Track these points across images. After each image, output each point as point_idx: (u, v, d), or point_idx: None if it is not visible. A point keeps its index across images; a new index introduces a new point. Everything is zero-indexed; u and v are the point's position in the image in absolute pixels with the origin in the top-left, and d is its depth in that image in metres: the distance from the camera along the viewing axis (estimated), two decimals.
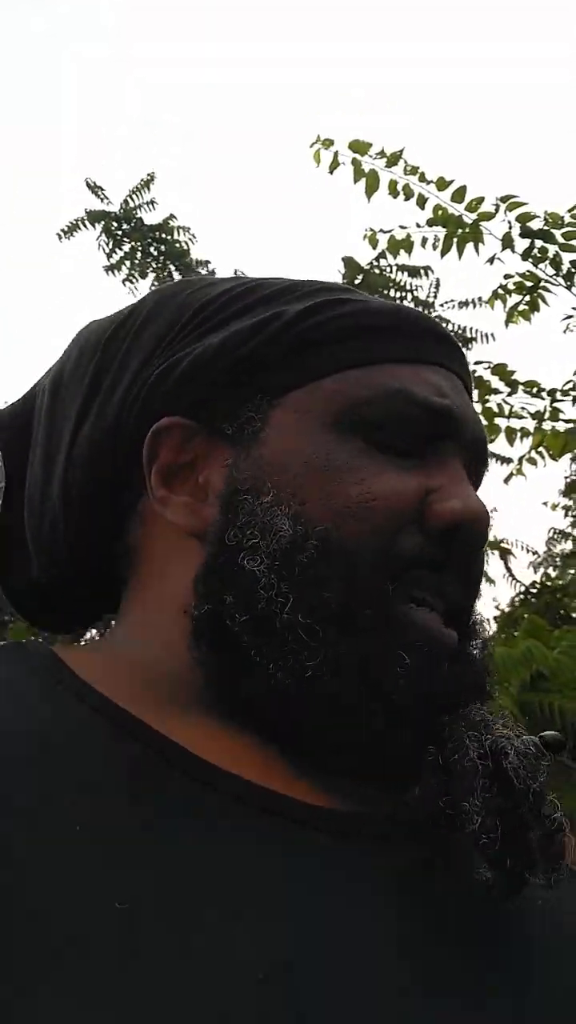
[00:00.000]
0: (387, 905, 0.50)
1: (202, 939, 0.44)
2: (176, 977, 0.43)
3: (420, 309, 0.74)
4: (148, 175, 6.05)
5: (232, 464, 0.60)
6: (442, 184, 3.30)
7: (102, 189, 6.04)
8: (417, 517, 0.57)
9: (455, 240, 3.32)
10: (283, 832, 0.51)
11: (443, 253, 3.35)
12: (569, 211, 3.18)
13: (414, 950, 0.49)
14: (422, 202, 3.36)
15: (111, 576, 0.65)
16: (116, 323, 0.67)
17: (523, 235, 3.23)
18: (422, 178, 3.34)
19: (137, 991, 0.42)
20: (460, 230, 3.29)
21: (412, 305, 3.97)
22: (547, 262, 3.29)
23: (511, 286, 3.41)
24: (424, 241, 3.39)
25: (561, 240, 3.21)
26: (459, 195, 3.30)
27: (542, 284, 3.38)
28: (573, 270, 3.28)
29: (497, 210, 3.18)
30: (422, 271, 6.10)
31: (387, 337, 0.62)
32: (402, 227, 3.50)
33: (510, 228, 3.21)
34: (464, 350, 0.68)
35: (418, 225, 3.39)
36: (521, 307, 3.43)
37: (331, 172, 3.44)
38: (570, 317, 3.49)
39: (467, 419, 0.62)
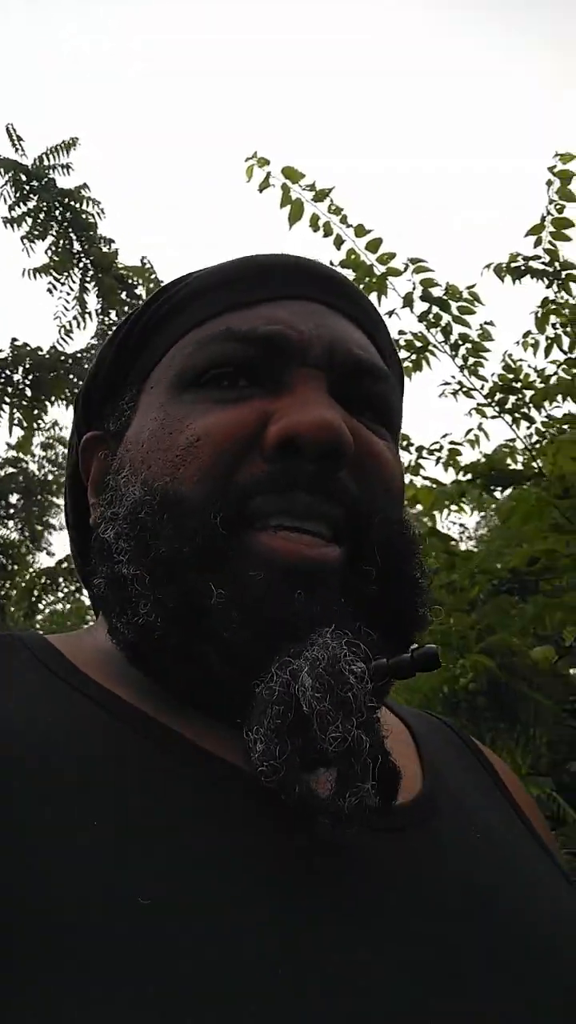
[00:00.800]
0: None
1: (223, 928, 0.44)
2: (202, 969, 0.42)
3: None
4: (71, 139, 5.92)
5: (108, 454, 0.66)
6: (360, 231, 3.46)
7: (21, 140, 5.84)
8: (255, 444, 0.56)
9: (361, 286, 3.48)
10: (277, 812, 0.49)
11: None
12: (467, 287, 3.41)
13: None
14: (339, 243, 3.50)
15: None
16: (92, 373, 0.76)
17: (423, 298, 3.43)
18: (344, 220, 3.49)
19: (166, 985, 0.40)
20: (368, 278, 3.45)
21: None
22: (439, 328, 3.51)
23: (402, 342, 3.61)
24: None
25: (455, 312, 3.44)
26: (373, 246, 3.46)
27: (430, 347, 3.60)
28: (459, 342, 3.51)
29: (405, 269, 3.36)
30: None
31: (227, 290, 0.62)
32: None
33: (413, 289, 3.40)
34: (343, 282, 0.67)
35: (331, 263, 3.51)
36: (406, 364, 3.62)
37: (260, 191, 3.53)
38: (447, 384, 3.72)
39: (319, 339, 0.59)
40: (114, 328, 0.70)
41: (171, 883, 0.44)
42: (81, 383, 0.77)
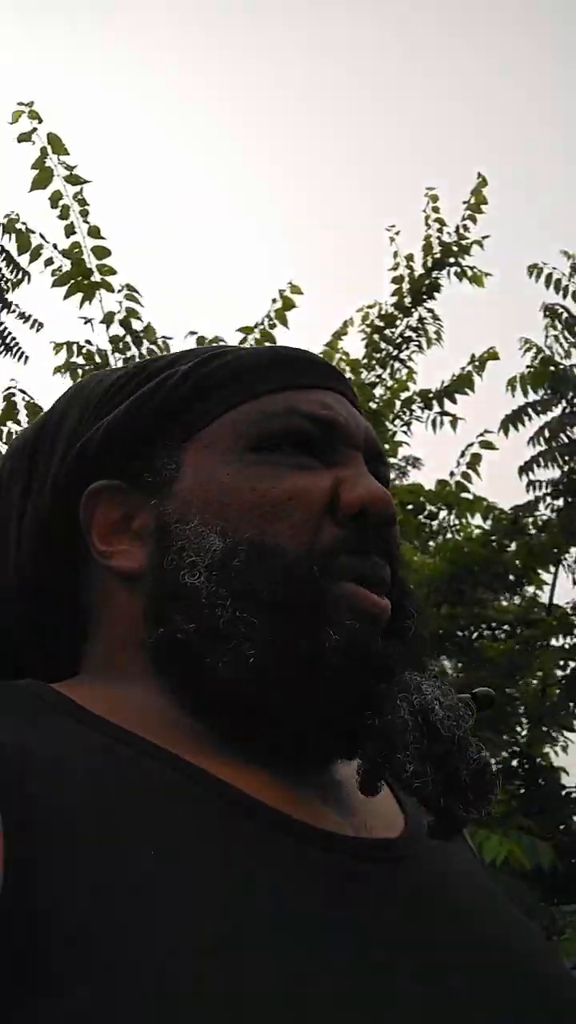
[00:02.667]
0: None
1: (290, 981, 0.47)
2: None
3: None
4: None
5: (158, 503, 0.66)
6: (94, 232, 3.49)
7: None
8: (330, 510, 0.63)
9: (71, 281, 3.48)
10: (332, 864, 0.55)
11: (55, 284, 3.47)
12: (163, 337, 3.59)
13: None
14: (69, 231, 3.49)
15: (67, 646, 0.70)
16: (39, 425, 0.75)
17: (122, 324, 3.53)
18: (85, 214, 3.50)
19: None
20: (82, 278, 3.47)
21: None
22: (120, 355, 3.63)
23: (84, 350, 3.66)
24: (49, 261, 3.47)
25: (143, 352, 3.58)
26: (100, 252, 3.51)
27: (106, 367, 3.69)
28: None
29: (119, 292, 3.44)
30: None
31: (268, 372, 0.69)
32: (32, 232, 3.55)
33: (119, 311, 3.49)
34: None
35: (54, 246, 3.48)
36: (81, 369, 3.67)
37: (18, 140, 3.42)
38: None
39: (356, 425, 0.68)
40: (133, 381, 0.70)
41: (225, 923, 0.48)
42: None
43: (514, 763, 4.02)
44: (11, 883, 0.45)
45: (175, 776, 0.57)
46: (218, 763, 0.58)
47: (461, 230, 4.43)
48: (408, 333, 4.58)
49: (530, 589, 4.35)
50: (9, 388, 3.36)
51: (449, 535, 4.27)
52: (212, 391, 0.69)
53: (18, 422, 3.33)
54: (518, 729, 4.07)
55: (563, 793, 4.08)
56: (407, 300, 4.50)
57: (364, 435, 0.69)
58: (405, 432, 4.57)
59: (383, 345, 4.58)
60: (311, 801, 0.59)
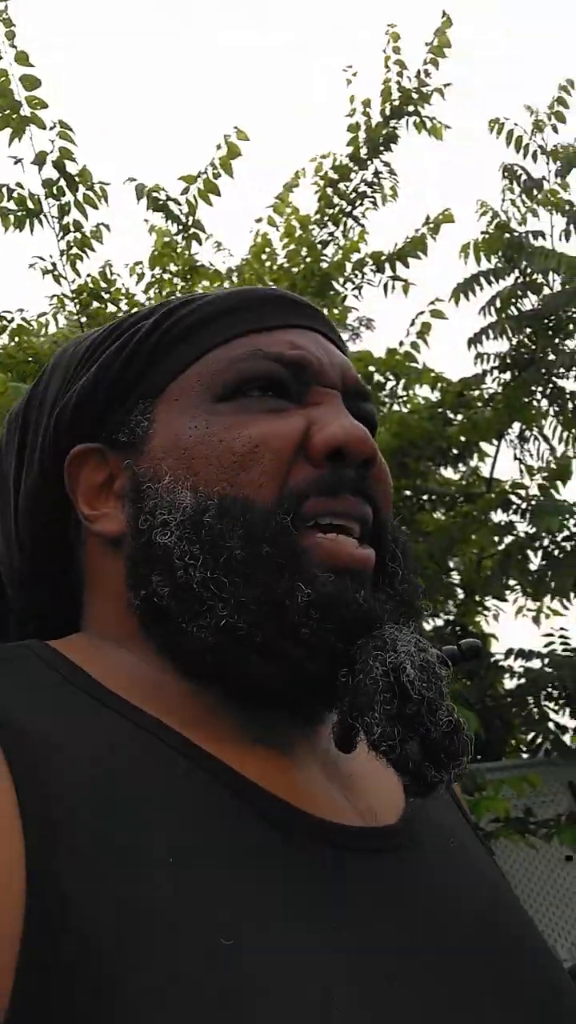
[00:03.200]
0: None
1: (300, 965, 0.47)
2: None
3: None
4: None
5: (132, 463, 0.65)
6: (21, 59, 3.15)
7: None
8: (302, 450, 0.61)
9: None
10: (335, 860, 0.54)
11: None
12: (100, 183, 3.32)
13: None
14: None
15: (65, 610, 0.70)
16: (28, 396, 0.75)
17: (55, 165, 3.25)
18: (11, 36, 3.15)
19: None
20: (10, 111, 3.15)
21: None
22: (57, 204, 3.36)
23: (14, 194, 3.38)
24: None
25: (79, 197, 3.32)
26: (29, 82, 3.18)
27: (40, 214, 3.42)
28: (71, 228, 3.40)
29: (52, 130, 3.15)
30: None
31: (232, 317, 0.67)
32: None
33: (51, 151, 3.20)
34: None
35: None
36: (12, 215, 3.40)
37: None
38: (41, 259, 3.58)
39: (331, 363, 0.66)
40: (106, 343, 0.70)
41: (245, 922, 0.48)
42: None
43: (447, 631, 4.15)
44: (35, 898, 0.45)
45: (176, 759, 0.55)
46: (213, 738, 0.57)
47: (422, 75, 4.15)
48: (363, 188, 4.36)
49: (472, 462, 4.36)
50: None
51: (396, 407, 4.21)
52: (177, 343, 0.67)
53: None
54: (452, 600, 4.18)
55: (492, 660, 4.26)
56: (363, 151, 4.25)
57: (341, 373, 0.66)
58: (356, 296, 4.43)
59: (336, 200, 4.35)
60: (312, 782, 0.58)
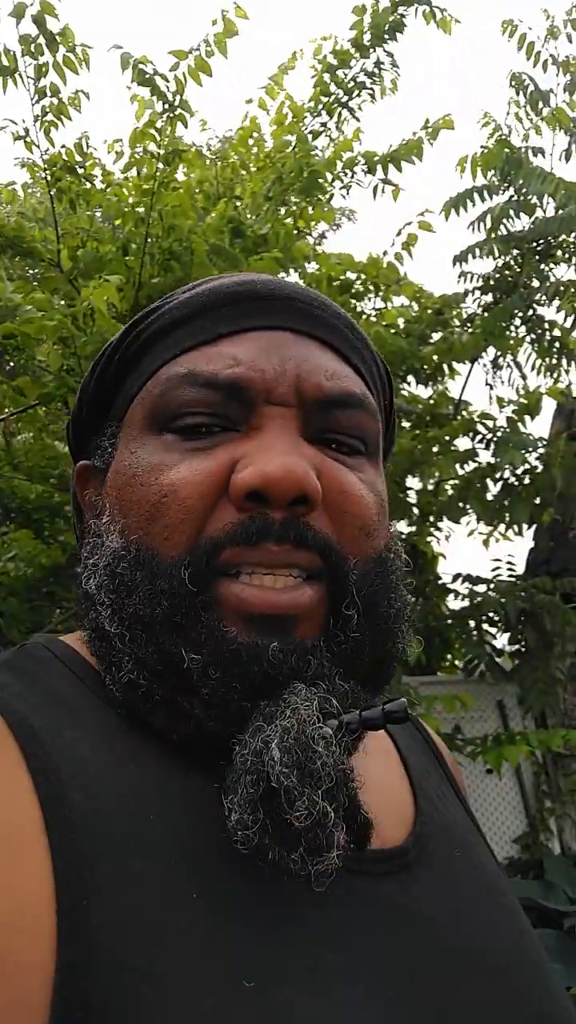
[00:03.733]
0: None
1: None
2: None
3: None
4: None
5: (96, 491, 0.65)
6: None
7: None
8: (225, 493, 0.55)
9: None
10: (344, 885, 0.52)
11: None
12: (82, 45, 3.07)
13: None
14: None
15: None
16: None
17: (35, 20, 2.98)
18: None
19: None
20: None
21: None
22: (34, 63, 3.11)
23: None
24: None
25: (58, 58, 3.07)
26: None
27: (15, 72, 3.16)
28: (48, 91, 3.15)
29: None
30: None
31: (189, 327, 0.61)
32: None
33: (32, 3, 2.94)
34: (316, 304, 0.63)
35: None
36: None
37: None
38: (12, 123, 3.33)
39: (282, 375, 0.58)
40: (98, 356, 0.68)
41: (261, 959, 0.47)
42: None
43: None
44: (65, 929, 0.44)
45: (195, 778, 0.54)
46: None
47: None
48: (362, 78, 4.11)
49: (443, 383, 4.30)
50: None
51: (374, 318, 4.10)
52: (136, 361, 0.64)
53: None
54: (407, 519, 4.21)
55: (439, 581, 4.34)
56: (366, 37, 3.98)
57: (296, 385, 0.58)
58: (343, 196, 4.23)
59: (333, 88, 4.10)
60: None
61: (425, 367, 4.04)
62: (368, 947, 0.51)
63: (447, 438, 3.96)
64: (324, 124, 4.13)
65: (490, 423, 3.93)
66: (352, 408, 0.60)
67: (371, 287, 4.08)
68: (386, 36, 4.00)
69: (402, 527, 4.28)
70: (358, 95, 4.11)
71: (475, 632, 4.25)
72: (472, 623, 4.23)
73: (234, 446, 0.57)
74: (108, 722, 0.56)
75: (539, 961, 0.61)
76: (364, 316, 4.13)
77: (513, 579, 4.36)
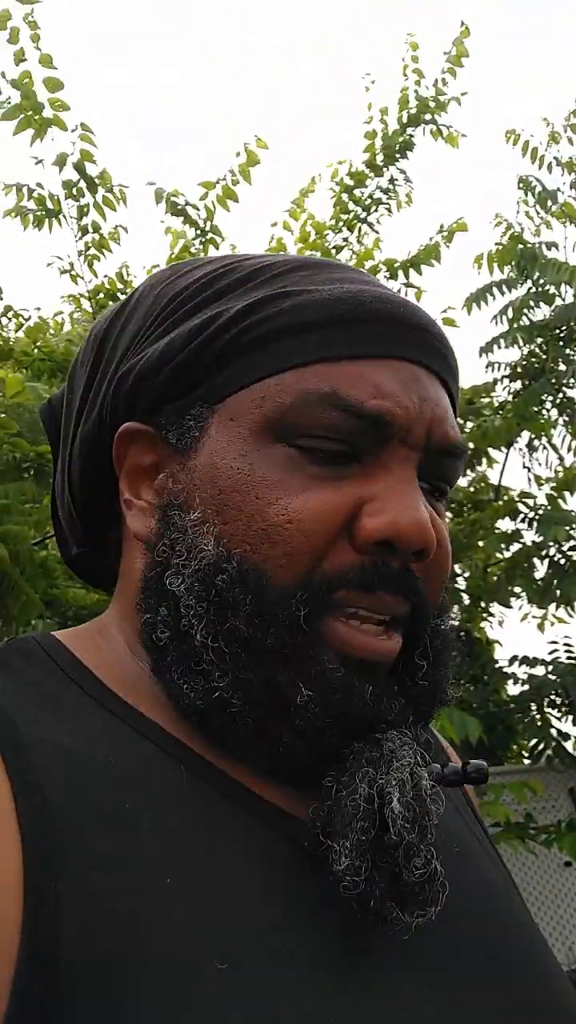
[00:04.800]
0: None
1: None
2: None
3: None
4: None
5: (170, 474, 0.59)
6: (46, 61, 3.18)
7: None
8: (347, 531, 0.54)
9: (21, 116, 3.20)
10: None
11: (3, 117, 3.19)
12: (120, 186, 3.36)
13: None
14: (19, 58, 3.18)
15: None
16: (114, 313, 0.67)
17: (76, 167, 3.28)
18: (36, 39, 3.18)
19: None
20: (33, 113, 3.19)
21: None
22: (76, 204, 3.40)
23: (35, 194, 3.41)
24: None
25: (98, 199, 3.36)
26: (52, 84, 3.21)
27: (59, 214, 3.46)
28: (90, 228, 3.43)
29: (73, 131, 3.18)
30: None
31: (326, 332, 0.57)
32: None
33: (72, 153, 3.24)
34: (446, 338, 0.61)
35: (2, 74, 3.18)
36: (32, 215, 3.44)
37: None
38: (59, 259, 3.61)
39: (420, 417, 0.56)
40: (188, 306, 0.61)
41: (241, 947, 0.46)
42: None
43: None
44: (31, 915, 0.43)
45: (177, 769, 0.54)
46: (211, 748, 0.56)
47: (440, 84, 4.18)
48: (378, 195, 4.39)
49: (481, 468, 4.39)
50: None
51: None
52: (252, 349, 0.58)
53: None
54: (458, 605, 4.21)
55: (496, 666, 4.29)
56: (379, 158, 4.28)
57: (428, 428, 0.57)
58: None
59: (351, 206, 4.38)
60: (310, 791, 0.54)
61: None
62: (350, 938, 0.50)
63: (489, 522, 4.01)
64: (345, 239, 4.40)
65: (531, 502, 3.98)
66: (458, 459, 0.60)
67: None
68: (397, 155, 4.30)
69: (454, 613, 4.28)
70: (375, 210, 4.39)
71: (538, 717, 4.17)
72: (534, 707, 4.15)
73: (361, 483, 0.55)
74: (92, 717, 0.55)
75: (548, 963, 0.61)
76: None
77: (573, 660, 4.29)
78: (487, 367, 4.25)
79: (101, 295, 3.69)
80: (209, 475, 0.57)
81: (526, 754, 4.57)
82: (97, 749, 0.52)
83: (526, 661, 4.17)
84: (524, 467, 4.31)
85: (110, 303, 3.74)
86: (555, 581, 3.93)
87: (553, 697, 4.13)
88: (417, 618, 0.56)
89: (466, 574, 4.30)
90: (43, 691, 0.56)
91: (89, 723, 0.54)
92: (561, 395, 4.18)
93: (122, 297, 3.83)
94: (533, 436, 4.30)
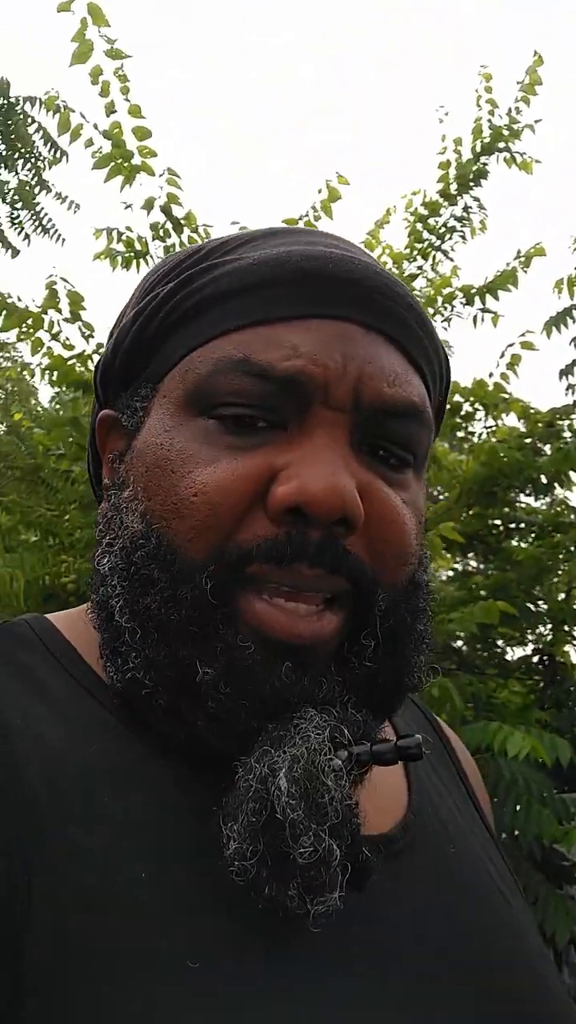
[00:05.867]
0: None
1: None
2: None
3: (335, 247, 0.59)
4: None
5: (121, 457, 0.59)
6: (135, 112, 3.35)
7: None
8: (260, 499, 0.52)
9: (111, 164, 3.37)
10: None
11: (95, 166, 3.37)
12: (203, 225, 3.50)
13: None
14: (110, 110, 3.35)
15: None
16: (146, 277, 0.68)
17: (162, 210, 3.43)
18: (125, 91, 3.35)
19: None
20: (122, 160, 3.35)
21: None
22: (161, 243, 3.54)
23: (123, 237, 3.58)
24: (89, 142, 3.35)
25: (184, 239, 3.50)
26: (141, 133, 3.38)
27: (147, 255, 3.61)
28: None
29: (161, 176, 3.33)
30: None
31: (249, 298, 0.55)
32: (72, 111, 3.42)
33: (159, 197, 3.39)
34: (390, 286, 0.57)
35: (95, 126, 3.35)
36: (120, 256, 3.60)
37: (58, 11, 3.24)
38: None
39: (345, 377, 0.52)
40: (139, 297, 0.62)
41: (212, 944, 0.46)
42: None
43: (535, 659, 4.15)
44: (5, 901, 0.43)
45: (153, 758, 0.53)
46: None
47: (513, 112, 4.22)
48: (452, 223, 4.44)
49: (561, 492, 4.36)
50: (50, 276, 3.30)
51: (484, 436, 4.26)
52: (182, 324, 0.57)
53: (59, 310, 3.29)
54: (540, 628, 4.18)
55: None
56: (453, 187, 4.34)
57: (355, 388, 0.53)
58: (445, 328, 4.50)
59: (426, 235, 4.44)
60: None
61: (542, 477, 4.12)
62: (330, 937, 0.48)
63: (572, 544, 3.98)
64: (420, 267, 4.46)
65: None
66: (408, 419, 0.56)
67: (479, 407, 4.25)
68: (471, 184, 4.35)
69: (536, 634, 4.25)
70: (450, 238, 4.45)
71: None
72: None
73: (278, 450, 0.52)
74: (78, 703, 0.54)
75: (536, 963, 0.58)
76: (475, 435, 4.29)
77: None
78: (567, 389, 4.23)
79: None
80: (142, 453, 0.56)
81: None
82: (76, 736, 0.52)
83: None
84: None
85: None
86: None
87: None
88: (363, 597, 0.53)
89: (547, 597, 4.27)
90: (31, 676, 0.55)
91: (71, 708, 0.54)
92: None
93: None
94: None
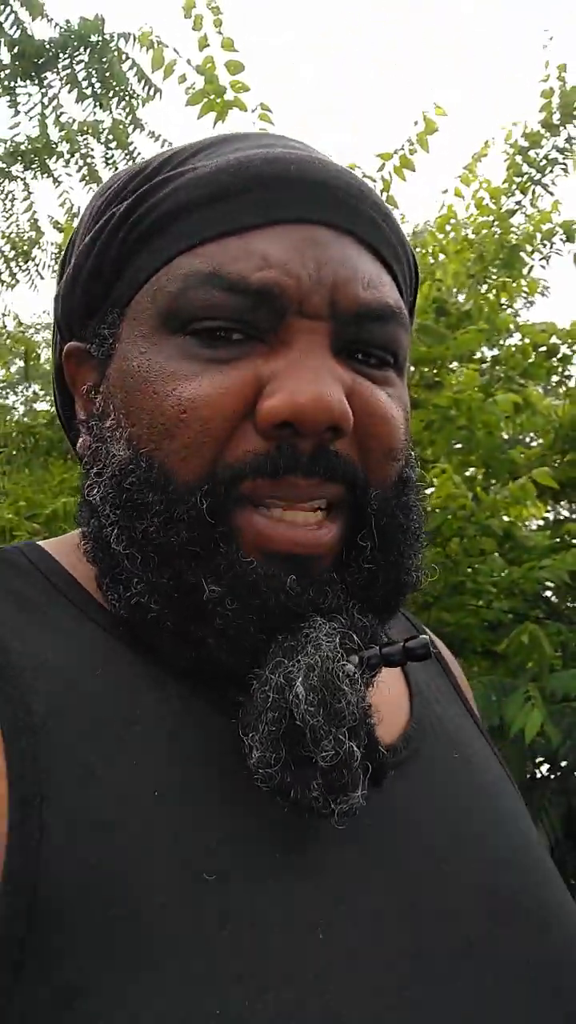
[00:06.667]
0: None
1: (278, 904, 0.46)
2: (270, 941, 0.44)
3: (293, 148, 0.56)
4: None
5: (95, 387, 0.58)
6: (228, 45, 3.29)
7: None
8: (248, 414, 0.51)
9: (204, 99, 3.34)
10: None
11: (188, 102, 3.34)
12: None
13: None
14: (203, 44, 3.30)
15: None
16: (89, 204, 0.64)
17: None
18: (218, 24, 3.29)
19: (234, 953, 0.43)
20: (215, 96, 3.31)
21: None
22: None
23: None
24: (182, 78, 3.32)
25: None
26: (233, 67, 3.32)
27: None
28: None
29: (253, 112, 3.28)
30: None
31: (213, 209, 0.53)
32: (166, 46, 3.39)
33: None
34: (360, 188, 0.56)
35: (188, 61, 3.32)
36: None
37: None
38: None
39: (320, 284, 0.51)
40: (91, 221, 0.59)
41: (226, 857, 0.47)
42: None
43: None
44: (18, 826, 0.43)
45: (160, 677, 0.53)
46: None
47: None
48: (554, 155, 4.25)
49: None
50: None
51: None
52: (145, 242, 0.55)
53: None
54: None
55: None
56: (555, 117, 4.14)
57: (331, 295, 0.52)
58: (543, 267, 4.35)
59: (525, 168, 4.27)
60: None
61: None
62: (344, 842, 0.49)
63: None
64: (519, 202, 4.30)
65: None
66: (386, 321, 0.55)
67: None
68: (575, 112, 4.14)
69: None
70: (551, 171, 4.26)
71: None
72: None
73: (260, 361, 0.51)
74: (77, 627, 0.54)
75: (540, 859, 0.60)
76: (573, 379, 4.16)
77: None
78: None
79: None
80: (119, 380, 0.55)
81: None
82: (82, 661, 0.52)
83: None
84: None
85: None
86: None
87: None
88: (358, 499, 0.53)
89: None
90: (28, 601, 0.55)
91: (74, 634, 0.54)
92: None
93: None
94: None
